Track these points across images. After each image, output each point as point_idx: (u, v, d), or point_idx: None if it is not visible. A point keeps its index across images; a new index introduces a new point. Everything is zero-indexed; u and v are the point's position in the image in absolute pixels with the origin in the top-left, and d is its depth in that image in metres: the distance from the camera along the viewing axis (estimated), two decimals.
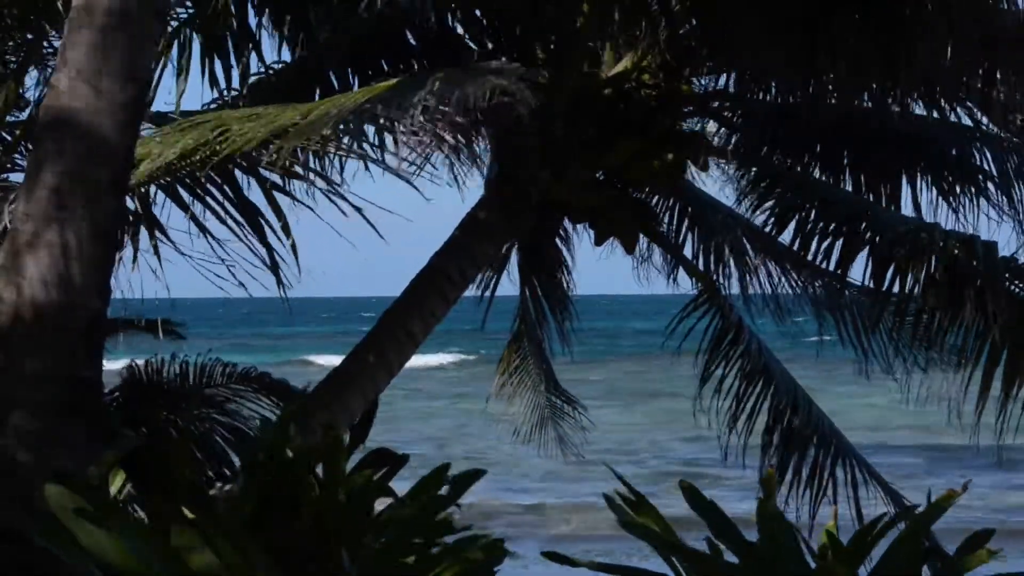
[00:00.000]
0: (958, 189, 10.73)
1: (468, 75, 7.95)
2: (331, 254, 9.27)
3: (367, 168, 8.21)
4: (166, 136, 8.35)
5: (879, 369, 10.67)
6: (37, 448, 6.32)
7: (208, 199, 9.14)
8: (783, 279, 10.56)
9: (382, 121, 7.73)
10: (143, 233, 9.17)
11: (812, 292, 10.41)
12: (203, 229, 9.02)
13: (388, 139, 7.96)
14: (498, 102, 7.62)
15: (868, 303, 10.41)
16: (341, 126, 7.59)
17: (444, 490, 6.31)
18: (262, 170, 8.83)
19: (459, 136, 7.92)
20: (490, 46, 10.55)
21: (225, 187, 9.02)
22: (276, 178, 9.04)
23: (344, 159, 8.34)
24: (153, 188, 8.91)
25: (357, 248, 8.86)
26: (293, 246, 9.08)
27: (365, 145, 8.01)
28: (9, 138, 10.19)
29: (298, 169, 8.65)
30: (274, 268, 9.13)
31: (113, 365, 9.53)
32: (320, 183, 8.77)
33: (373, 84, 10.44)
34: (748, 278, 10.56)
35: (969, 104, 10.83)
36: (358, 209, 8.55)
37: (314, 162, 8.96)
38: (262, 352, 58.99)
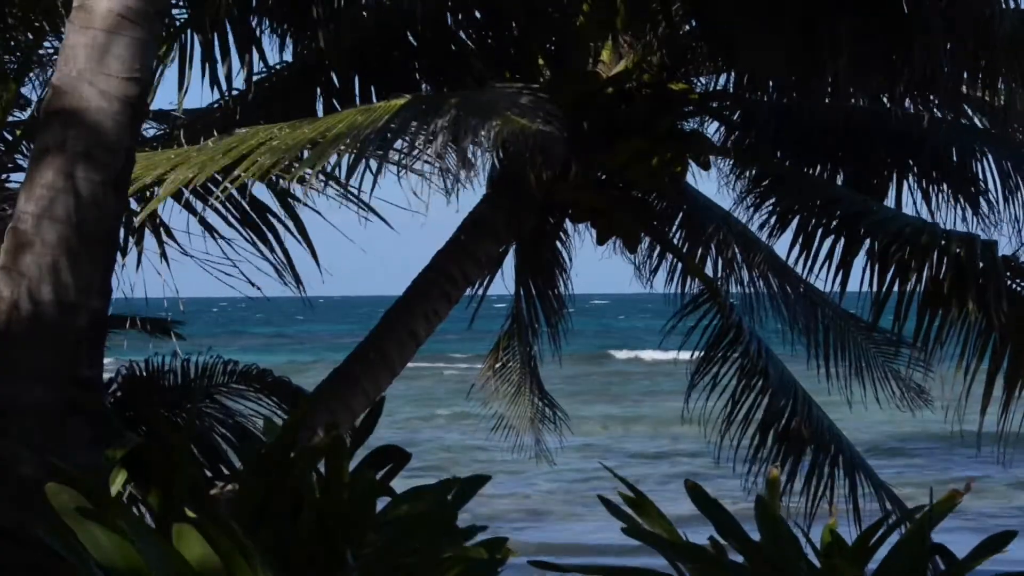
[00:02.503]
0: (955, 191, 10.73)
1: (487, 103, 7.98)
2: (345, 254, 9.31)
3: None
4: (187, 156, 8.37)
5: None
6: (38, 448, 6.31)
7: (215, 202, 9.17)
8: (767, 287, 10.57)
9: (399, 145, 7.81)
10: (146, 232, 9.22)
11: (791, 308, 10.44)
12: (213, 233, 9.06)
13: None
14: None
15: (844, 325, 10.45)
16: (359, 145, 7.67)
17: (450, 494, 6.31)
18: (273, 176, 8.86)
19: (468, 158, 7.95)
20: (490, 44, 10.55)
21: (232, 191, 9.06)
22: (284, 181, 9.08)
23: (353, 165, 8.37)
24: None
25: (366, 251, 8.91)
26: (310, 246, 9.15)
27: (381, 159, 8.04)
28: (10, 138, 10.19)
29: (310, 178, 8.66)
30: (292, 268, 9.20)
31: (113, 365, 9.54)
32: (332, 189, 8.81)
33: (375, 87, 10.53)
34: (732, 281, 10.58)
35: (968, 104, 10.84)
36: (373, 210, 8.61)
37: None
38: (278, 352, 59.05)
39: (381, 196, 8.46)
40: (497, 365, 13.18)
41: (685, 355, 11.11)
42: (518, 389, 13.29)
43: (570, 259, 11.93)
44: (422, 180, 8.06)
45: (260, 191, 9.47)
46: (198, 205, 9.42)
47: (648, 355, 56.14)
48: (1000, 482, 24.60)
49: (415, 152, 7.85)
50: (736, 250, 10.52)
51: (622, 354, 61.05)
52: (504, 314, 12.59)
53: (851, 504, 10.96)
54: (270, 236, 9.58)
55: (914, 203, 10.79)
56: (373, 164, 7.92)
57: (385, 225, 8.81)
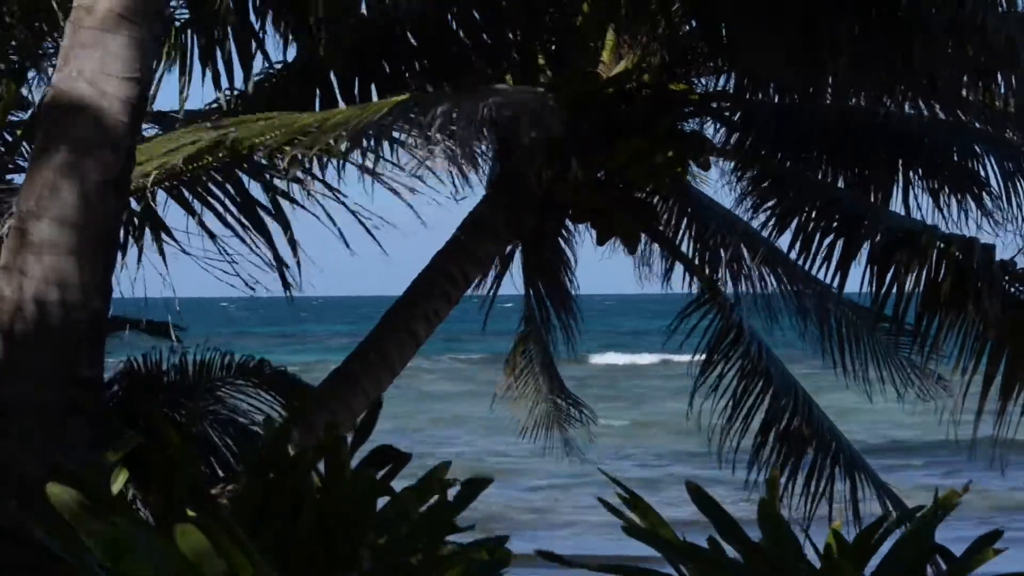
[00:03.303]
0: (956, 193, 10.72)
1: (483, 93, 8.01)
2: (346, 253, 9.31)
3: (365, 177, 8.22)
4: (177, 137, 8.39)
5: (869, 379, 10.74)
6: (39, 447, 6.32)
7: (213, 201, 9.18)
8: (775, 284, 10.56)
9: (397, 135, 7.82)
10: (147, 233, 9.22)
11: (800, 302, 10.42)
12: (211, 235, 9.07)
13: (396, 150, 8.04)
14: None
15: (855, 317, 10.44)
16: (358, 137, 7.68)
17: (451, 496, 6.30)
18: (267, 174, 8.87)
19: (467, 149, 7.93)
20: (490, 44, 10.57)
21: (229, 188, 9.06)
22: (279, 180, 9.08)
23: (344, 163, 8.38)
24: (160, 193, 8.95)
25: (357, 254, 8.90)
26: (292, 244, 9.13)
27: (375, 156, 8.05)
28: (11, 138, 10.19)
29: (301, 174, 8.68)
30: (280, 268, 9.18)
31: (113, 363, 9.54)
32: (325, 191, 8.83)
33: (375, 87, 10.53)
34: (740, 281, 10.57)
35: (969, 106, 10.82)
36: (359, 219, 8.62)
37: (317, 168, 9.00)
38: (279, 352, 59.01)
39: (374, 200, 8.46)
40: (517, 370, 13.16)
41: (675, 357, 11.11)
42: (538, 391, 13.28)
43: (574, 258, 11.94)
44: (422, 173, 8.09)
45: (257, 191, 9.48)
46: (198, 206, 9.43)
47: (645, 358, 56.15)
48: (1003, 486, 24.55)
49: (411, 139, 7.85)
50: (742, 248, 10.52)
51: (622, 358, 61.02)
52: (503, 314, 12.58)
53: (852, 504, 10.96)
54: (262, 236, 9.58)
55: (909, 204, 10.78)
56: (370, 158, 7.93)
57: (386, 224, 8.82)
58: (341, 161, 8.72)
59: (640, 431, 36.45)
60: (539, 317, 12.25)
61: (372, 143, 7.88)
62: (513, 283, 11.68)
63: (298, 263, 9.22)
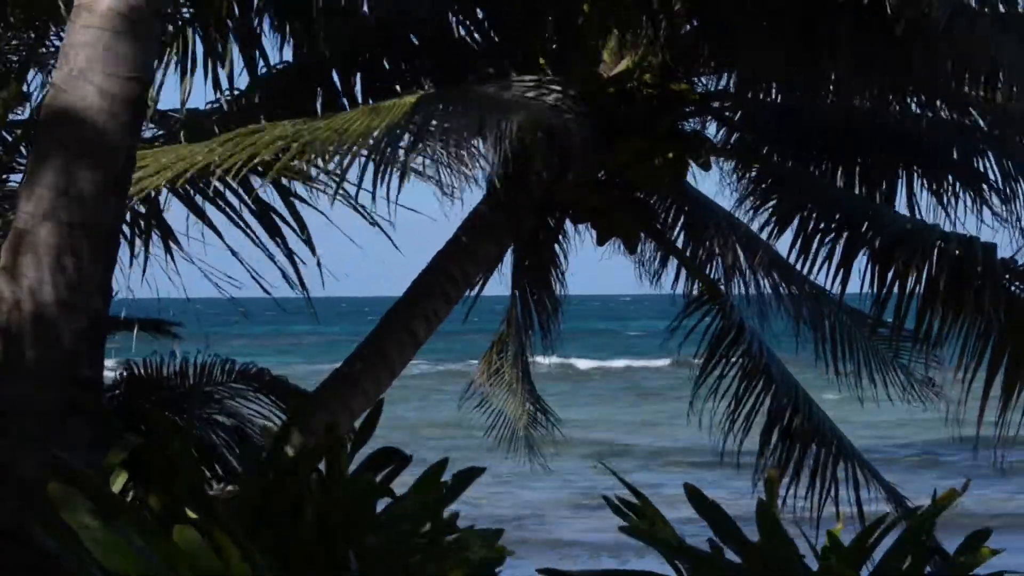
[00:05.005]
0: (958, 192, 10.72)
1: (503, 99, 8.03)
2: (357, 252, 9.34)
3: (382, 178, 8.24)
4: (195, 146, 8.41)
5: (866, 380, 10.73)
6: (38, 448, 6.32)
7: (222, 203, 9.21)
8: (771, 287, 10.55)
9: (422, 146, 7.87)
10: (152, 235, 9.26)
11: (796, 306, 10.42)
12: (219, 235, 9.11)
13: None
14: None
15: (850, 321, 10.45)
16: (380, 144, 7.73)
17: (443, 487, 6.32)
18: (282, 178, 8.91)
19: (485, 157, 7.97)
20: (491, 43, 10.57)
21: (242, 192, 9.10)
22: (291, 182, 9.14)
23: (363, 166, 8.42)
24: (165, 193, 8.98)
25: (369, 252, 8.93)
26: (310, 245, 9.17)
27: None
28: (11, 138, 10.19)
29: (315, 176, 8.73)
30: (295, 270, 9.23)
31: (115, 365, 9.56)
32: (339, 194, 8.86)
33: (376, 86, 10.54)
34: (735, 281, 10.57)
35: (970, 105, 10.83)
36: (374, 223, 8.66)
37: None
38: (281, 353, 59.01)
39: (382, 199, 8.47)
40: (491, 369, 13.14)
41: (678, 359, 11.09)
42: (512, 392, 13.25)
43: (566, 260, 11.92)
44: (435, 180, 8.13)
45: (266, 192, 9.50)
46: (206, 207, 9.46)
47: (644, 360, 56.14)
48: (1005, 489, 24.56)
49: (436, 156, 7.90)
50: (739, 250, 10.52)
51: (623, 360, 61.00)
52: (500, 315, 12.57)
53: (856, 504, 10.95)
54: (272, 237, 9.61)
55: (915, 203, 10.77)
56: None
57: (392, 226, 8.86)
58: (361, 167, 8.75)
59: (641, 432, 36.47)
60: (521, 319, 12.20)
61: (391, 152, 7.90)
62: (502, 283, 11.65)
63: (318, 261, 9.28)
